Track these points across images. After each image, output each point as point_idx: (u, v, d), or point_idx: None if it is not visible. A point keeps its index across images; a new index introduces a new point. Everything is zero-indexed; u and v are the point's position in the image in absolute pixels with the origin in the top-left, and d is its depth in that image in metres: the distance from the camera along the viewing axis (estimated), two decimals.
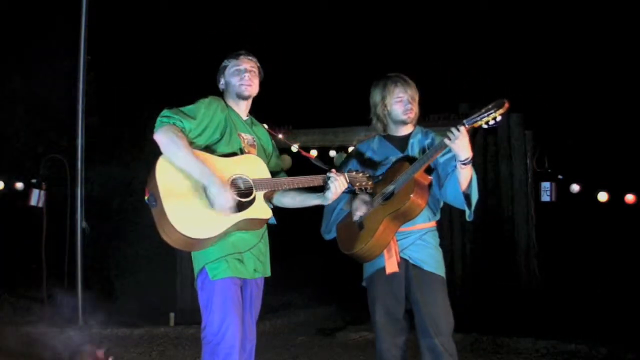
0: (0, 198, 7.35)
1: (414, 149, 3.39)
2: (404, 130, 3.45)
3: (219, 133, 3.01)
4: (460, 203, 3.26)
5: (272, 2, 8.34)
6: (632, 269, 6.36)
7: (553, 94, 7.08)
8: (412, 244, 3.31)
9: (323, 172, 3.10)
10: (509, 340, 5.73)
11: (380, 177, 3.36)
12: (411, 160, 3.32)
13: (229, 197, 2.82)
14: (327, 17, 8.22)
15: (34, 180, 7.12)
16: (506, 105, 3.01)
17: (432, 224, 3.40)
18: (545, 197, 6.47)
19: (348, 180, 3.07)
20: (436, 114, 6.94)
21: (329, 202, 3.09)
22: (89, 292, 6.99)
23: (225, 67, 3.20)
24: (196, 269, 2.96)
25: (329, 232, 3.51)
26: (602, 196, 6.22)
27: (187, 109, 2.96)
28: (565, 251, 6.74)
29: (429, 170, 3.30)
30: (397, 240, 3.29)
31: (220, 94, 3.22)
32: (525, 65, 7.32)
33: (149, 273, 7.89)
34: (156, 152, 2.90)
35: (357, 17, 8.18)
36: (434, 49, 7.63)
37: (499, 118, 3.03)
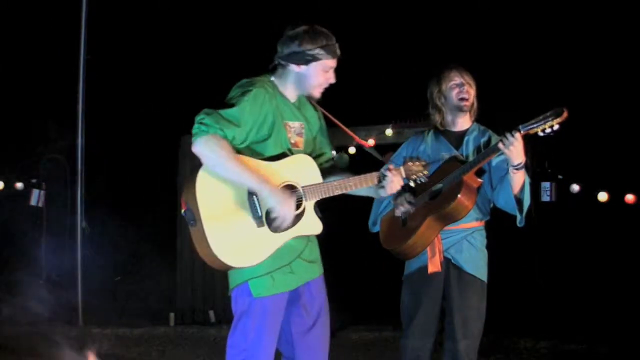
0: (0, 198, 7.35)
1: (468, 147, 3.35)
2: (460, 124, 3.39)
3: (266, 130, 2.64)
4: (511, 208, 3.26)
5: (272, 2, 8.34)
6: (632, 269, 6.35)
7: (553, 94, 7.07)
8: (457, 244, 3.29)
9: (379, 163, 2.89)
10: (509, 340, 5.73)
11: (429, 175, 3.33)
12: (462, 160, 3.29)
13: (291, 205, 2.55)
14: (328, 17, 8.21)
15: (34, 180, 7.12)
16: (565, 114, 2.96)
17: (481, 223, 3.40)
18: (545, 197, 6.45)
19: (404, 175, 2.81)
20: None
21: (381, 197, 2.95)
22: (89, 292, 6.99)
23: (318, 58, 2.70)
24: (236, 281, 2.68)
25: (375, 225, 3.47)
26: (602, 196, 6.22)
27: (229, 113, 2.53)
28: (565, 251, 6.73)
29: (481, 172, 3.26)
30: (441, 239, 3.26)
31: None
32: (525, 65, 7.31)
33: (149, 273, 7.89)
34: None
35: (357, 17, 8.17)
36: (435, 49, 7.62)
37: (556, 127, 2.99)
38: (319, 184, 2.71)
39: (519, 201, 3.24)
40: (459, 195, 3.13)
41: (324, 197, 2.72)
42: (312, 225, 2.71)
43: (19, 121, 8.18)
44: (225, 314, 7.06)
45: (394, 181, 2.77)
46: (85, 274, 6.90)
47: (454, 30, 7.74)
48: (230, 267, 2.55)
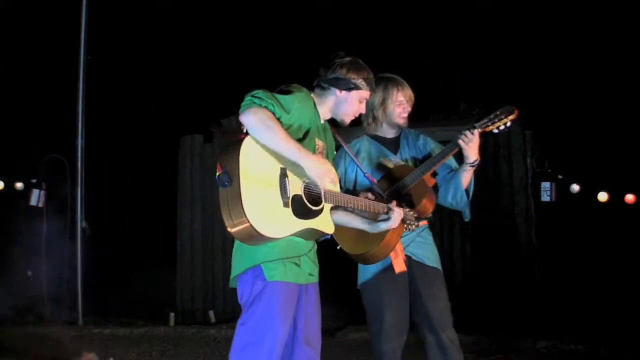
0: (0, 198, 7.35)
1: (405, 151, 3.44)
2: (394, 132, 3.48)
3: (301, 133, 2.80)
4: (463, 203, 3.33)
5: (271, 2, 8.34)
6: (632, 269, 6.36)
7: (553, 94, 7.08)
8: (413, 241, 3.34)
9: (382, 199, 3.03)
10: (509, 340, 5.73)
11: (379, 179, 3.34)
12: (412, 162, 3.37)
13: (332, 171, 2.70)
14: (328, 17, 8.22)
15: (34, 180, 7.12)
16: (516, 112, 3.14)
17: (426, 222, 3.43)
18: (545, 197, 6.46)
19: (402, 216, 2.97)
20: (437, 113, 6.95)
21: (378, 230, 2.99)
22: (89, 292, 6.99)
23: (359, 87, 2.89)
24: (247, 264, 2.71)
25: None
26: (602, 196, 6.22)
27: (283, 98, 2.70)
28: (565, 251, 6.73)
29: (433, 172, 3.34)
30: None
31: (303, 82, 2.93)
32: (526, 65, 7.32)
33: (149, 273, 7.89)
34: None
35: (358, 16, 8.18)
36: (435, 48, 7.63)
37: (509, 124, 3.16)
38: (337, 192, 2.84)
39: (467, 195, 3.34)
40: (423, 199, 3.21)
41: (337, 205, 2.86)
42: (327, 224, 2.80)
43: (19, 121, 8.18)
44: (225, 314, 7.07)
45: (397, 218, 2.94)
46: (85, 273, 6.90)
47: (453, 30, 7.75)
48: (252, 233, 2.55)
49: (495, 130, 3.18)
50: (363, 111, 2.96)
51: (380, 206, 2.95)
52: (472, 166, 3.23)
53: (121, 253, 8.34)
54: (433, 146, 3.43)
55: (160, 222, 8.31)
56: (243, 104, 2.63)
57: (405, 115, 3.41)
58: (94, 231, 7.07)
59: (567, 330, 5.76)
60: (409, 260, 3.31)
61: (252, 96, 2.63)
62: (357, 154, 3.45)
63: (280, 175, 2.65)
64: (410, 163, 3.39)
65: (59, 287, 7.05)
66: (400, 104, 3.39)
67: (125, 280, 7.77)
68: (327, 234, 2.83)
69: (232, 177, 2.55)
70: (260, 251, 2.68)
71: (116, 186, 8.74)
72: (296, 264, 2.75)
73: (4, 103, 7.95)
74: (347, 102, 2.90)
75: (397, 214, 2.93)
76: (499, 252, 6.80)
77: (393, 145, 3.46)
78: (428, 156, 3.37)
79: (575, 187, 6.37)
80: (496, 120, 3.16)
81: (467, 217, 3.39)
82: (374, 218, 2.98)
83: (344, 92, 2.89)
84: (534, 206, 6.66)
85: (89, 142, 6.94)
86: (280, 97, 2.69)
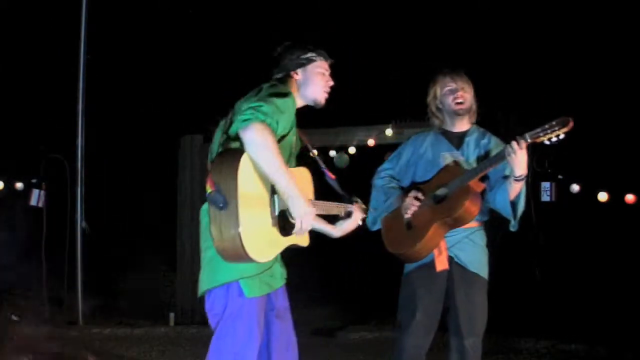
0: (0, 198, 7.34)
1: (469, 148, 3.37)
2: (460, 126, 3.41)
3: (287, 130, 2.71)
4: (507, 212, 3.30)
5: (271, 2, 8.35)
6: (632, 269, 6.36)
7: (553, 94, 7.07)
8: (460, 242, 3.31)
9: (343, 197, 2.99)
10: (509, 340, 5.73)
11: (432, 176, 3.34)
12: (465, 165, 3.32)
13: (312, 220, 2.61)
14: (329, 17, 8.21)
15: (34, 180, 7.12)
16: (571, 124, 3.01)
17: (480, 224, 3.41)
18: (545, 197, 6.45)
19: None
20: None
21: (337, 236, 2.94)
22: (89, 292, 6.99)
23: (311, 60, 2.80)
24: (223, 279, 2.61)
25: (375, 224, 3.48)
26: (602, 196, 6.21)
27: (281, 102, 2.59)
28: (565, 251, 6.73)
29: (484, 175, 3.28)
30: (444, 237, 3.28)
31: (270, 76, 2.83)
32: (525, 65, 7.32)
33: (149, 273, 7.89)
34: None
35: (358, 16, 8.17)
36: (435, 49, 7.63)
37: (562, 136, 3.04)
38: (315, 200, 2.79)
39: (513, 207, 3.28)
40: (466, 203, 3.16)
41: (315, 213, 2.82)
42: (303, 238, 2.75)
43: (20, 121, 8.19)
44: None
45: (356, 220, 2.93)
46: (85, 273, 6.90)
47: (454, 30, 7.75)
48: (243, 257, 2.45)
49: (547, 142, 3.06)
50: (331, 82, 2.85)
51: (343, 208, 2.94)
52: (517, 180, 3.14)
53: (121, 253, 8.34)
54: (492, 147, 3.35)
55: (160, 222, 8.30)
56: (245, 116, 2.46)
57: (460, 101, 3.32)
58: (94, 231, 7.06)
59: (567, 330, 5.76)
60: (450, 261, 3.29)
61: (255, 109, 2.47)
62: (418, 147, 3.43)
63: (271, 192, 2.56)
64: (472, 160, 3.33)
65: (59, 287, 7.04)
66: (450, 91, 3.33)
67: (125, 280, 7.77)
68: (304, 246, 2.75)
69: (229, 200, 2.39)
70: (237, 267, 2.58)
71: (116, 186, 8.74)
72: (270, 276, 2.70)
73: (4, 103, 7.95)
74: (308, 80, 2.80)
75: (358, 217, 2.93)
76: (499, 252, 6.79)
77: (457, 140, 3.40)
78: (486, 156, 3.32)
79: (575, 187, 6.36)
80: (549, 131, 3.02)
81: (513, 227, 3.35)
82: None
83: (299, 71, 2.80)
84: (534, 206, 6.65)
85: (89, 142, 6.94)
86: (279, 101, 2.58)
